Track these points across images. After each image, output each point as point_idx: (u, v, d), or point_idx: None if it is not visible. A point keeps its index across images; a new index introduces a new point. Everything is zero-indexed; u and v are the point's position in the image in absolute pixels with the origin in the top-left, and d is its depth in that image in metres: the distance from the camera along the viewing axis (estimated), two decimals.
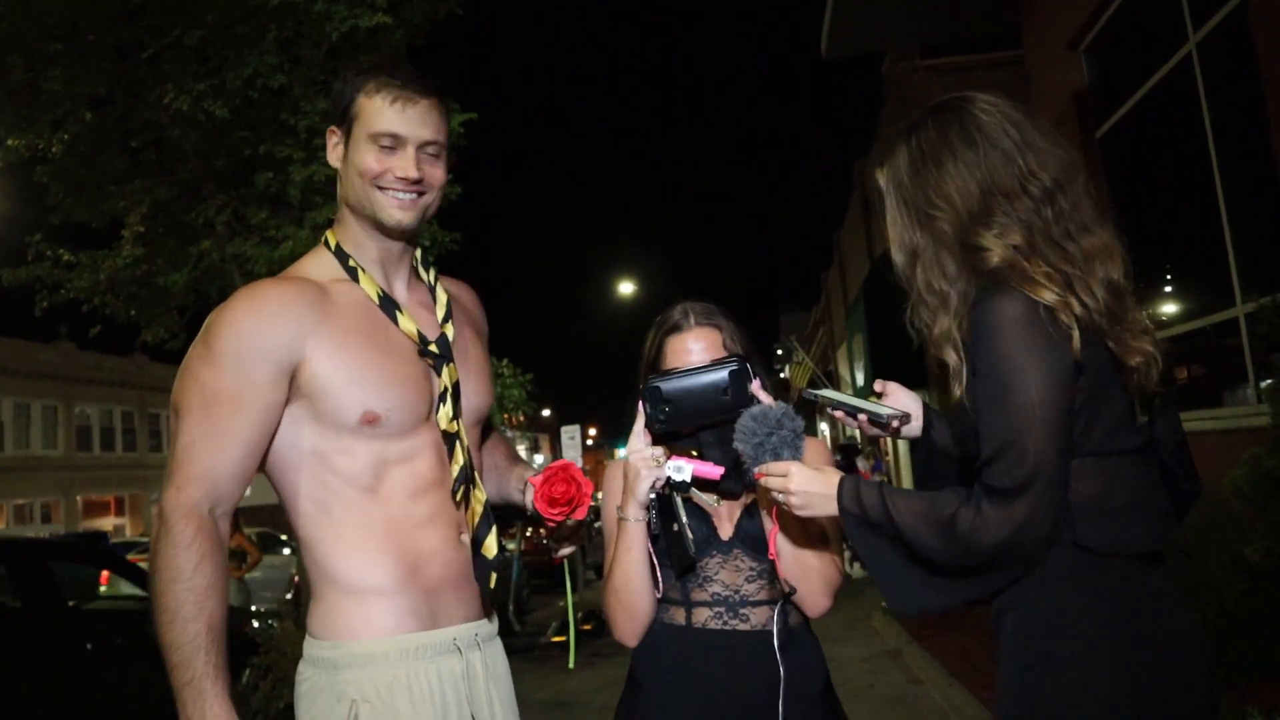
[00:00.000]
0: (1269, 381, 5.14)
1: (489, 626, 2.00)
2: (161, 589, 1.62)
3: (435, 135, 1.91)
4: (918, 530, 1.62)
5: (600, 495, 2.25)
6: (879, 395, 2.06)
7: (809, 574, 2.02)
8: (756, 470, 1.81)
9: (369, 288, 1.90)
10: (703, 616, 2.08)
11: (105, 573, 8.64)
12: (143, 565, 7.84)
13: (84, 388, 40.74)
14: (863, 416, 1.97)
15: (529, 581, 14.30)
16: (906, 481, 18.36)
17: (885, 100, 17.27)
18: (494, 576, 1.93)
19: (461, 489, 1.92)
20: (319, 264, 1.93)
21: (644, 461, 1.99)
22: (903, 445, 16.88)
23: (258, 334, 1.74)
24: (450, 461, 1.91)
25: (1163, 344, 1.71)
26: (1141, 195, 7.62)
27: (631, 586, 2.06)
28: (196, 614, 1.62)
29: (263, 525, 18.23)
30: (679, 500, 2.03)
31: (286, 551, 16.57)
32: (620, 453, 2.13)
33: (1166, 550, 1.70)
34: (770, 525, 1.99)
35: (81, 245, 9.86)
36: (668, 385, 2.01)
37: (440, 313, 2.00)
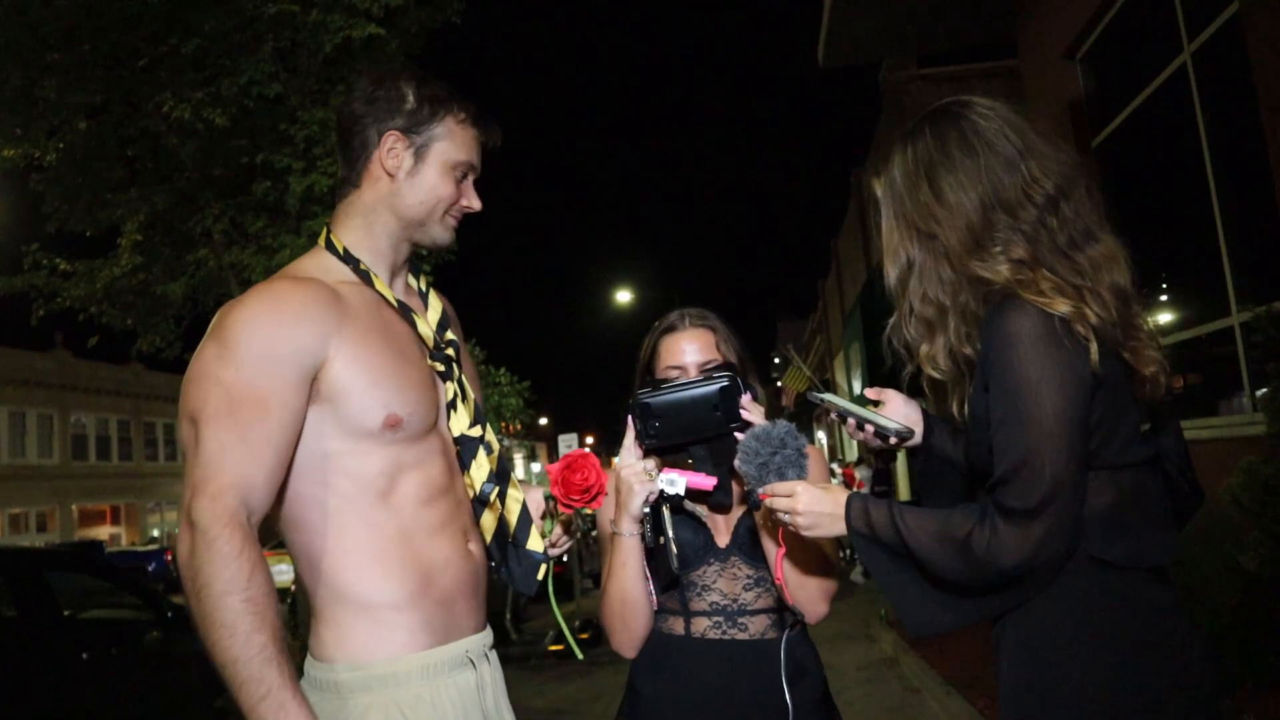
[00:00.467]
0: (1264, 390, 5.15)
1: (489, 636, 1.97)
2: (214, 605, 1.49)
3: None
4: (931, 550, 1.59)
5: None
6: (876, 404, 1.99)
7: (806, 583, 2.02)
8: (761, 490, 1.78)
9: (385, 292, 1.87)
10: (701, 626, 2.09)
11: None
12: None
13: (80, 396, 40.65)
14: (869, 428, 1.91)
15: (548, 585, 14.24)
16: (906, 487, 18.36)
17: (882, 109, 17.33)
18: (542, 568, 1.93)
19: (495, 490, 1.91)
20: (321, 265, 1.86)
21: (636, 476, 1.98)
22: (901, 451, 16.83)
23: (281, 336, 1.66)
24: (469, 468, 1.90)
25: (1167, 352, 1.69)
26: (1137, 205, 7.63)
27: (628, 600, 2.07)
28: (259, 625, 1.50)
29: None
30: (666, 514, 2.02)
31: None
32: (618, 461, 2.13)
33: (1168, 557, 1.69)
34: (776, 548, 1.97)
35: (78, 254, 9.88)
36: (656, 400, 1.99)
37: (434, 318, 1.98)
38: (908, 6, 9.60)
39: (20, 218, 11.68)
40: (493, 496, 1.90)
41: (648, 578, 2.08)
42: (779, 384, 34.21)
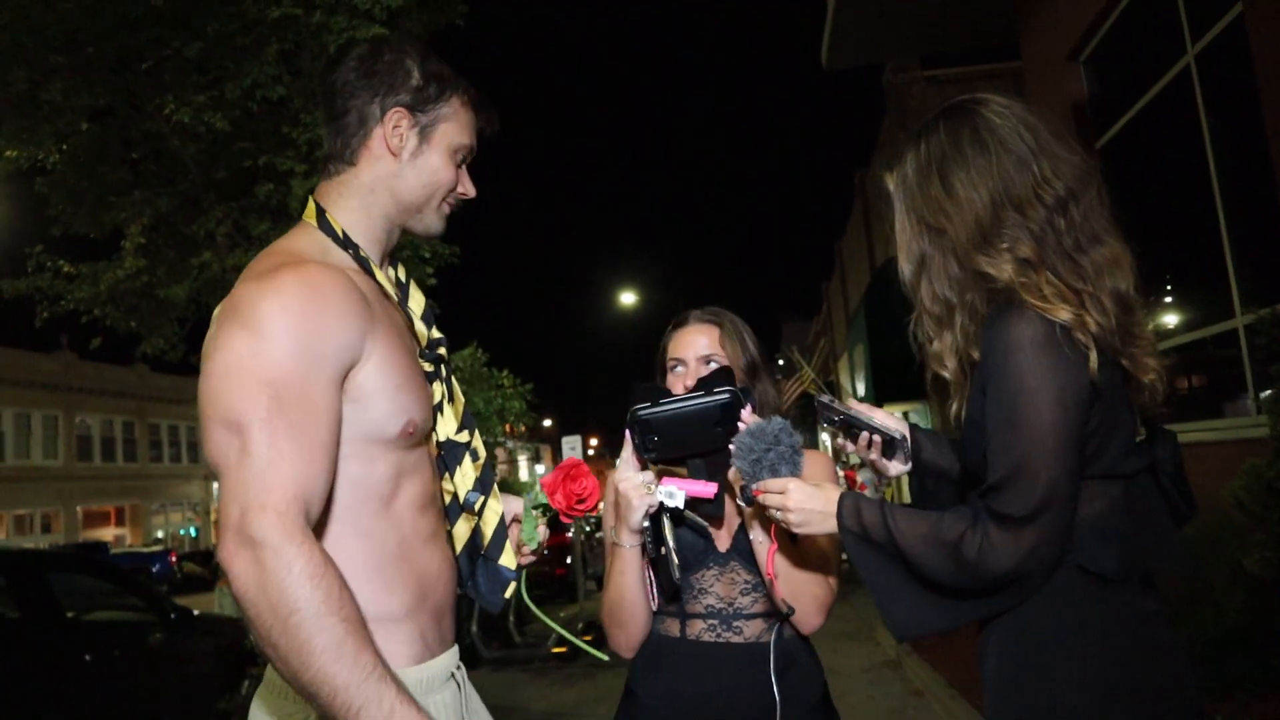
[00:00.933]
0: (1268, 392, 5.14)
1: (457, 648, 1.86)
2: (311, 630, 1.33)
3: None
4: (921, 552, 1.59)
5: (603, 505, 2.25)
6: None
7: (801, 594, 2.02)
8: (754, 487, 1.78)
9: (385, 283, 1.74)
10: (696, 629, 2.10)
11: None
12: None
13: (84, 398, 40.76)
14: (877, 438, 1.90)
15: (529, 592, 14.24)
16: (907, 493, 18.33)
17: (886, 111, 17.31)
18: (511, 586, 1.85)
19: (480, 500, 1.83)
20: (320, 247, 1.69)
21: (635, 490, 1.98)
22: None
23: (323, 331, 1.50)
24: (453, 474, 1.82)
25: (1167, 359, 1.68)
26: (1140, 207, 7.61)
27: (626, 606, 2.10)
28: (363, 643, 1.37)
29: None
30: (667, 524, 2.01)
31: None
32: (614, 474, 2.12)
33: (1170, 567, 1.69)
34: (768, 543, 1.97)
35: (82, 256, 9.90)
36: (655, 416, 1.96)
37: (418, 312, 1.84)
38: (911, 9, 9.61)
39: (25, 220, 11.72)
40: (476, 506, 1.82)
41: (649, 584, 2.10)
42: (784, 387, 34.19)
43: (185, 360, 10.39)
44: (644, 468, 2.02)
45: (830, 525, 1.71)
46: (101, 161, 9.41)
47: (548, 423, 60.07)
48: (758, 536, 2.01)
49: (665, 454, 2.00)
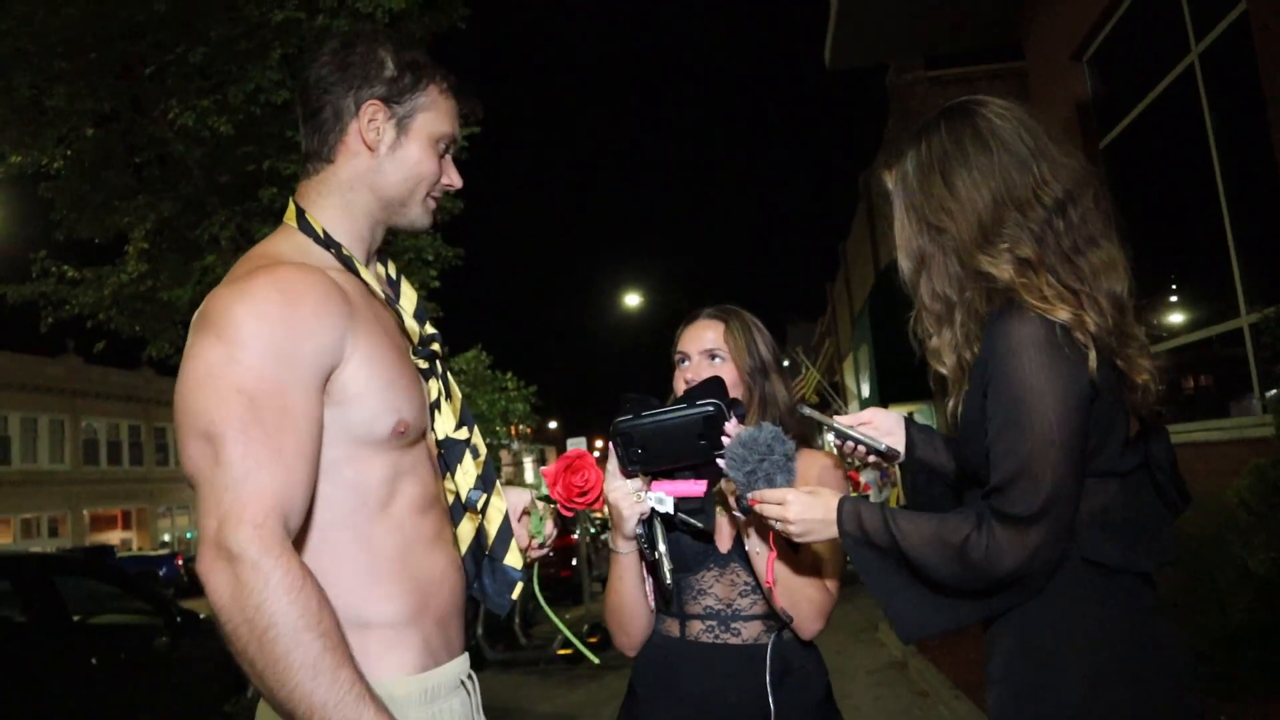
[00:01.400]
0: (1274, 392, 5.13)
1: (467, 655, 1.80)
2: (287, 646, 1.30)
3: None
4: (925, 555, 1.59)
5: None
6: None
7: (799, 600, 2.02)
8: (750, 497, 1.77)
9: (370, 280, 1.69)
10: (695, 629, 2.11)
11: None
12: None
13: (91, 402, 40.85)
14: (861, 449, 1.92)
15: (534, 592, 14.24)
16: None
17: (889, 111, 17.31)
18: (518, 587, 1.79)
19: (483, 498, 1.77)
20: (300, 248, 1.65)
21: (624, 499, 1.99)
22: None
23: (303, 334, 1.46)
24: (454, 473, 1.76)
25: (1158, 360, 1.69)
26: (1145, 206, 7.61)
27: (625, 609, 2.13)
28: (342, 659, 1.33)
29: None
30: (659, 529, 2.01)
31: None
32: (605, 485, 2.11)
33: (1168, 558, 1.70)
34: (766, 551, 1.97)
35: (86, 261, 9.92)
36: (637, 429, 1.94)
37: (410, 308, 1.78)
38: (914, 9, 9.59)
39: (29, 226, 11.75)
40: (479, 505, 1.76)
41: (647, 587, 2.13)
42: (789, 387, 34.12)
43: None
44: (632, 477, 2.02)
45: (831, 532, 1.71)
46: (105, 166, 9.44)
47: (553, 425, 60.11)
48: (753, 547, 2.01)
49: (649, 466, 1.98)
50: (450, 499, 1.78)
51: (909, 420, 2.00)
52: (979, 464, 1.63)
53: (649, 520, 2.01)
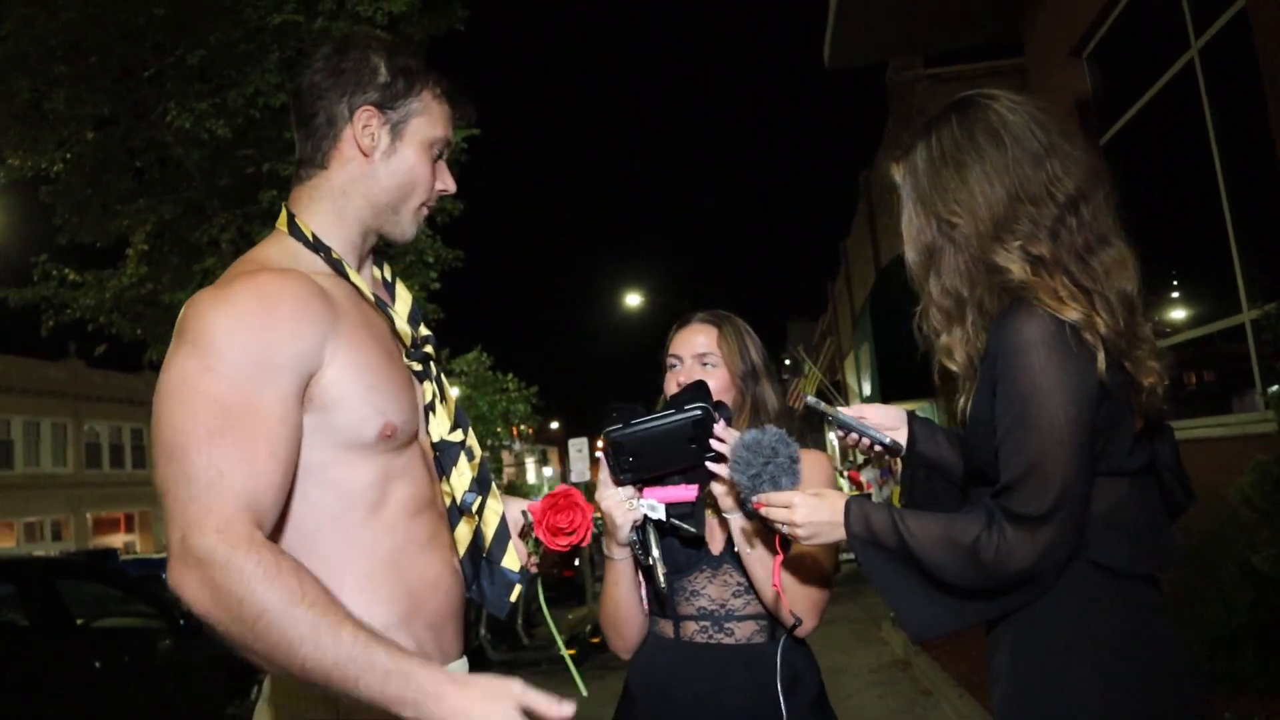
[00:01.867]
0: (1276, 388, 5.12)
1: (465, 661, 1.79)
2: (283, 625, 1.30)
3: None
4: (935, 556, 1.58)
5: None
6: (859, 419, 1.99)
7: (797, 600, 2.03)
8: (755, 500, 1.76)
9: (360, 284, 1.68)
10: (689, 630, 2.13)
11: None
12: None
13: (93, 405, 40.84)
14: (865, 440, 1.93)
15: (536, 595, 14.24)
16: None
17: (889, 109, 17.29)
18: (516, 589, 1.78)
19: (478, 500, 1.76)
20: (289, 253, 1.65)
21: (616, 507, 2.01)
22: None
23: (278, 341, 1.45)
24: (449, 475, 1.75)
25: (1167, 359, 1.67)
26: (1146, 203, 7.60)
27: (621, 614, 2.16)
28: (339, 618, 1.34)
29: None
30: (652, 534, 2.02)
31: None
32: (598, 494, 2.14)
33: (1172, 561, 1.70)
34: (769, 556, 1.98)
35: (87, 265, 9.92)
36: (628, 437, 1.95)
37: (405, 311, 1.78)
38: (913, 6, 9.58)
39: (30, 229, 11.75)
40: (474, 507, 1.75)
41: (641, 592, 2.16)
42: (790, 387, 34.17)
43: None
44: (623, 485, 2.04)
45: (839, 534, 1.70)
46: (106, 170, 9.44)
47: (554, 425, 60.07)
48: (745, 550, 2.02)
49: (641, 474, 2.00)
50: (447, 502, 1.77)
51: (911, 415, 1.99)
52: (987, 462, 1.63)
53: (642, 526, 2.03)
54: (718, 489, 1.98)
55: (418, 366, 1.75)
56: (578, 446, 14.95)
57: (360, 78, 1.68)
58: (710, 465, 1.93)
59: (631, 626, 2.17)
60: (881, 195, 19.61)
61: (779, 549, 1.91)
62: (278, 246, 1.67)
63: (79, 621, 7.10)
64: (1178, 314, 7.46)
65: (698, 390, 1.98)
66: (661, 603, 2.15)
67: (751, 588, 2.09)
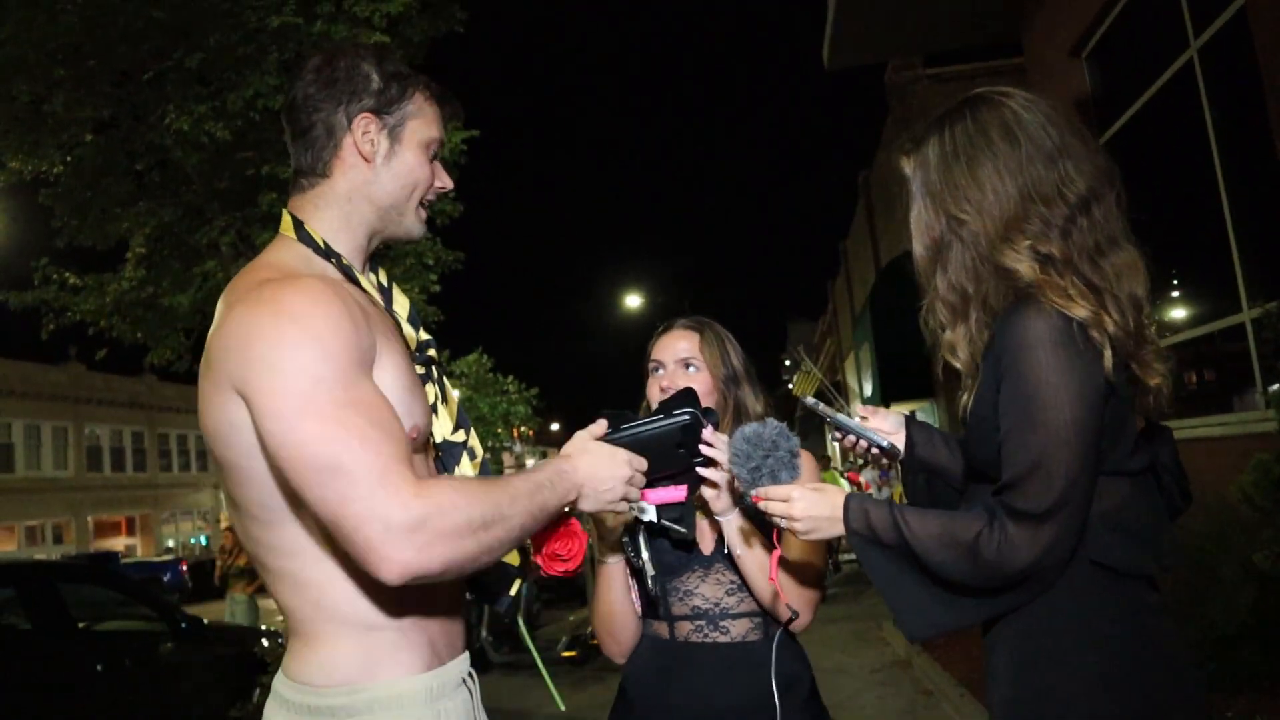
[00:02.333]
0: (1276, 386, 5.12)
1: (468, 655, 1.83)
2: (489, 522, 1.47)
3: None
4: (935, 553, 1.58)
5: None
6: (862, 419, 2.00)
7: (792, 596, 2.04)
8: (754, 494, 1.77)
9: (370, 289, 1.72)
10: (684, 630, 2.15)
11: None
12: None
13: (94, 408, 40.87)
14: (863, 443, 1.93)
15: (539, 596, 14.27)
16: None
17: (888, 109, 17.29)
18: (517, 583, 1.81)
19: None
20: (303, 258, 1.67)
21: (606, 511, 1.99)
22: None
23: (356, 334, 1.51)
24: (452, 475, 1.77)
25: (1171, 362, 1.67)
26: (1145, 202, 7.57)
27: (614, 617, 2.20)
28: (502, 486, 1.56)
29: None
30: (642, 538, 2.04)
31: None
32: None
33: (1173, 560, 1.69)
34: (761, 553, 2.00)
35: (87, 268, 9.92)
36: (617, 441, 1.93)
37: (404, 315, 1.81)
38: (912, 7, 9.59)
39: (30, 233, 11.75)
40: None
41: (633, 595, 2.19)
42: (790, 385, 34.15)
43: (192, 371, 10.42)
44: None
45: (837, 529, 1.70)
46: (105, 173, 9.43)
47: (555, 427, 60.01)
48: (741, 551, 2.04)
49: None
50: None
51: (909, 419, 1.99)
52: (989, 459, 1.62)
53: (633, 529, 2.06)
54: (708, 492, 2.01)
55: (420, 369, 1.77)
56: None
57: (354, 86, 1.71)
58: (700, 470, 1.96)
59: (625, 630, 2.20)
60: (881, 195, 19.62)
61: (776, 543, 1.91)
62: (290, 252, 1.68)
63: (80, 625, 7.10)
64: (1178, 313, 7.45)
65: (686, 396, 1.99)
66: (654, 605, 2.17)
67: (745, 586, 2.11)
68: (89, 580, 8.27)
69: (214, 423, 1.53)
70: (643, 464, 1.82)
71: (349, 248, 1.73)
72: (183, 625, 7.59)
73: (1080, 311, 1.53)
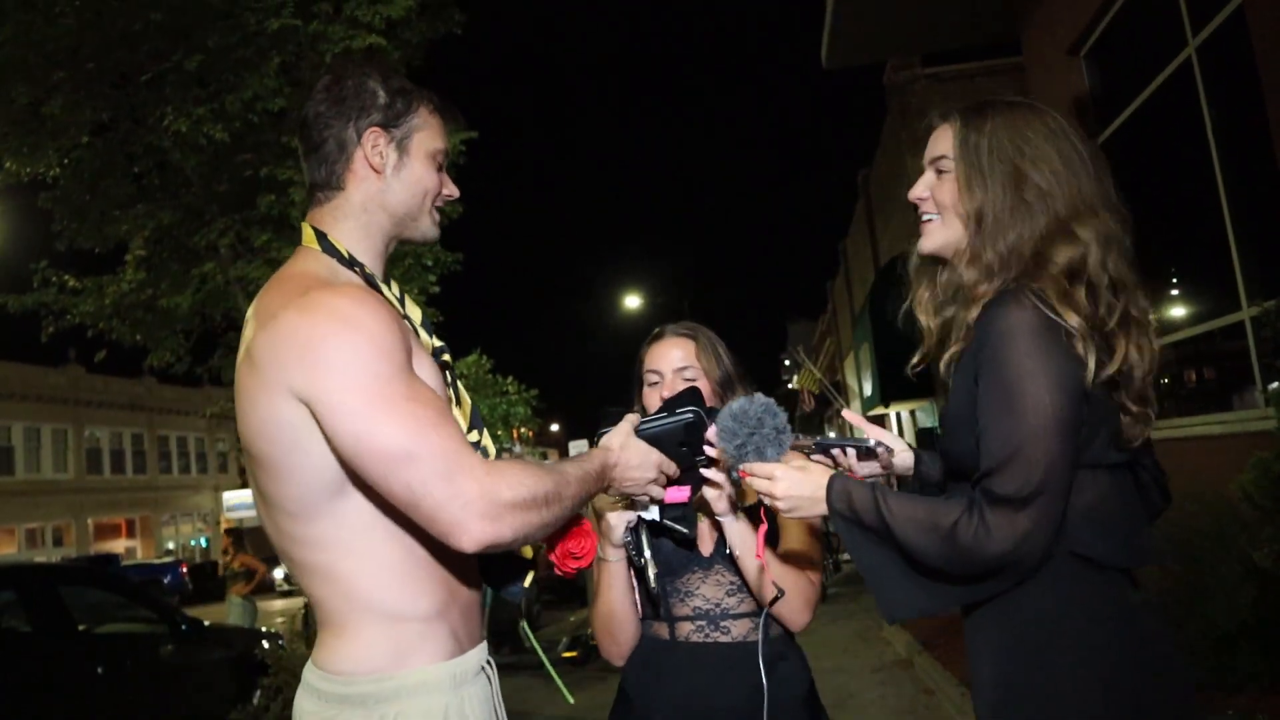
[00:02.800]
0: (1275, 385, 5.12)
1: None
2: (549, 498, 1.61)
3: None
4: (914, 536, 1.59)
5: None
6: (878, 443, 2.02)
7: (788, 591, 2.04)
8: (740, 468, 1.79)
9: (390, 297, 1.80)
10: (685, 630, 2.16)
11: None
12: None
13: (94, 411, 40.90)
14: (851, 452, 1.95)
15: (539, 597, 14.28)
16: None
17: (887, 109, 17.30)
18: (530, 575, 1.89)
19: None
20: (329, 268, 1.76)
21: (611, 508, 2.06)
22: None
23: (403, 335, 1.64)
24: None
25: (1166, 354, 1.69)
26: (1144, 201, 7.60)
27: (615, 617, 2.20)
28: (557, 479, 1.65)
29: None
30: (644, 538, 2.06)
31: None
32: None
33: (1161, 557, 1.70)
34: (757, 526, 1.98)
35: (87, 271, 9.90)
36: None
37: (417, 321, 1.89)
38: (910, 7, 9.59)
39: (29, 236, 11.74)
40: None
41: (634, 595, 2.20)
42: (790, 386, 34.15)
43: (192, 372, 10.41)
44: None
45: (820, 509, 1.71)
46: (104, 176, 9.40)
47: (555, 427, 60.08)
48: (740, 550, 2.05)
49: None
50: None
51: (917, 451, 2.01)
52: (966, 453, 1.63)
53: (635, 528, 2.07)
54: (709, 493, 2.01)
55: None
56: (578, 449, 14.97)
57: (362, 102, 1.82)
58: (703, 471, 1.97)
59: (625, 630, 2.20)
60: (880, 195, 19.62)
61: (764, 519, 1.91)
62: (317, 263, 1.78)
63: (81, 627, 7.11)
64: (1177, 312, 7.46)
65: (690, 395, 2.00)
66: (655, 605, 2.17)
67: (745, 586, 2.12)
68: (89, 583, 8.28)
69: (259, 420, 1.62)
70: (672, 466, 1.93)
71: (370, 256, 1.82)
72: (183, 627, 7.60)
73: (1072, 319, 1.55)
